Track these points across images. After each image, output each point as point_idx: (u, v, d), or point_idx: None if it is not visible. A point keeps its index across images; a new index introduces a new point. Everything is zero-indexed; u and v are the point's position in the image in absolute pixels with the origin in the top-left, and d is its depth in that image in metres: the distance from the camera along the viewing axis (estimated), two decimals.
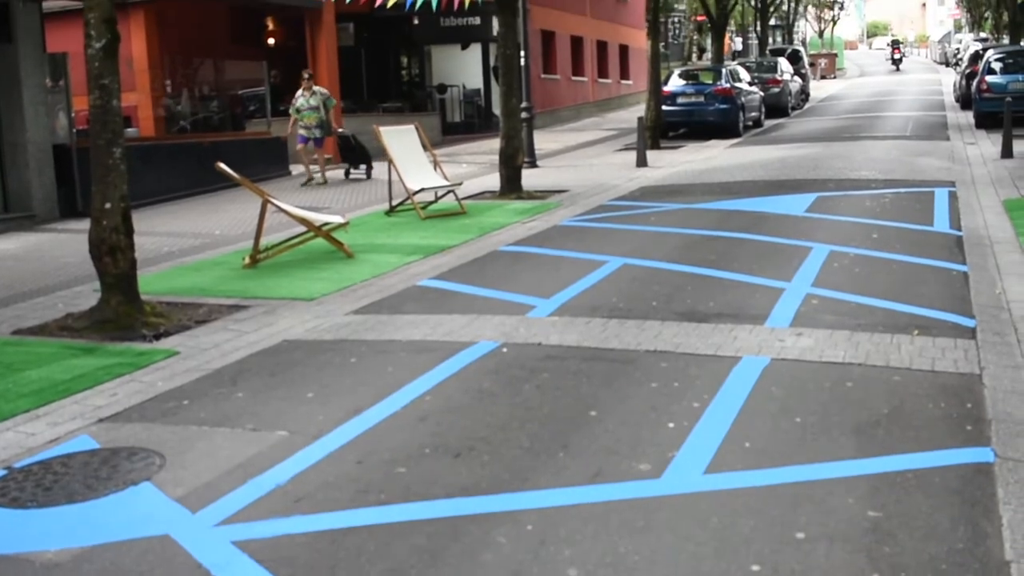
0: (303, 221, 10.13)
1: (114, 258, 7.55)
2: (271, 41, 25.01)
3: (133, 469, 4.76)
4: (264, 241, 9.93)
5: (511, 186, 14.36)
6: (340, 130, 18.12)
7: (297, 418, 5.34)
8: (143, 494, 4.48)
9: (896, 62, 65.61)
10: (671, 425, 4.96)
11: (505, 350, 6.41)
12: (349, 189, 16.52)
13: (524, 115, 17.37)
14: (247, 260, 9.66)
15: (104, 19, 7.51)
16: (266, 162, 18.52)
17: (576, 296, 7.82)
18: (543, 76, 29.91)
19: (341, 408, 5.45)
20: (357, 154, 17.81)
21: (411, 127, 13.53)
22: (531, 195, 14.16)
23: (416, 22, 27.21)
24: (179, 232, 12.45)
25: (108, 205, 7.52)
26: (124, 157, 7.66)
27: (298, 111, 17.21)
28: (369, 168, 17.74)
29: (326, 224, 10.20)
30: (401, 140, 13.09)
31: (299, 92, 17.35)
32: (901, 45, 72.27)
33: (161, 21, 19.79)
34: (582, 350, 6.35)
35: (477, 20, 26.53)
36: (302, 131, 17.22)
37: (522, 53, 17.88)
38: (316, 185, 17.12)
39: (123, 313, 7.48)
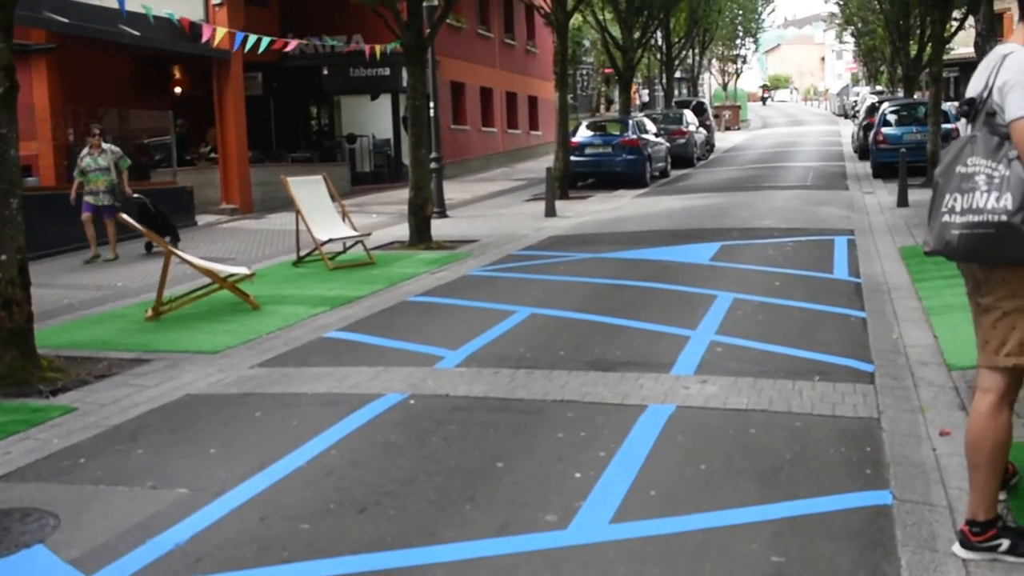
0: (208, 272, 9.98)
1: (9, 312, 7.33)
2: (177, 90, 24.76)
3: (26, 531, 4.58)
4: (167, 293, 9.75)
5: (420, 236, 14.37)
6: (135, 195, 14.86)
7: (198, 475, 5.22)
8: (36, 557, 4.31)
9: (764, 100, 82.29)
10: (578, 475, 4.97)
11: (412, 402, 6.37)
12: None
13: (433, 165, 17.45)
14: (150, 312, 9.47)
15: (2, 67, 7.35)
16: (172, 212, 18.20)
17: (484, 346, 7.82)
18: (453, 127, 30.10)
19: (244, 464, 5.34)
20: (159, 222, 14.31)
21: (319, 177, 13.48)
22: (440, 245, 14.18)
23: (325, 72, 27.22)
24: (80, 284, 12.17)
25: (4, 257, 7.32)
26: (21, 208, 7.46)
27: (83, 173, 14.39)
28: (175, 239, 14.60)
29: (231, 276, 10.06)
30: (309, 190, 13.03)
31: (84, 151, 14.59)
32: (769, 88, 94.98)
33: (64, 69, 19.45)
34: (490, 401, 6.34)
35: (387, 71, 26.63)
36: (88, 198, 14.34)
37: (431, 104, 17.99)
38: (104, 262, 14.23)
39: (18, 368, 7.25)
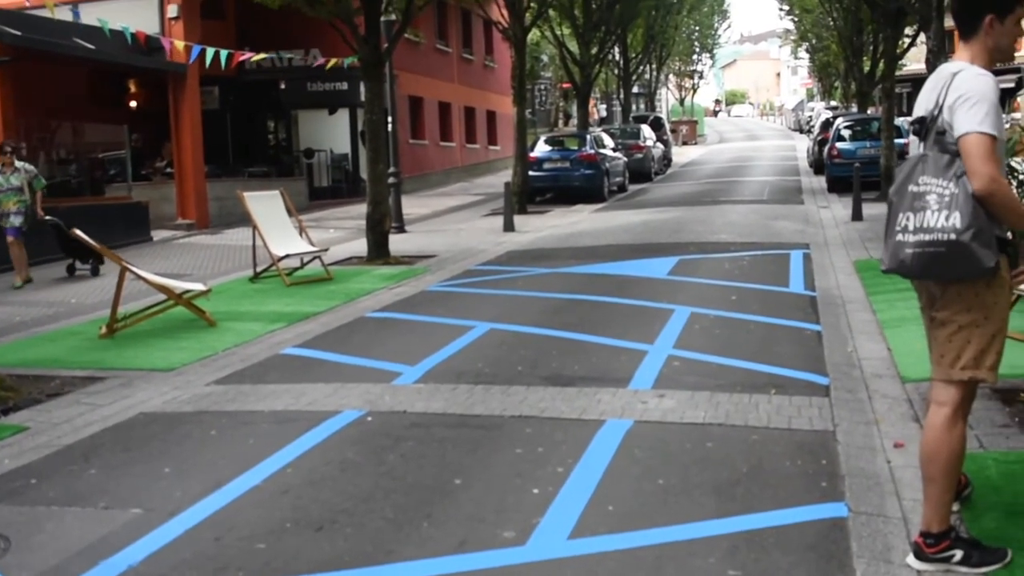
0: (163, 289, 9.88)
1: None
2: (133, 104, 24.52)
3: None
4: (122, 310, 9.63)
5: (379, 251, 14.33)
6: (48, 218, 13.84)
7: (153, 495, 5.15)
8: None
9: (716, 113, 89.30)
10: (536, 491, 4.96)
11: (370, 419, 6.33)
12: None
13: (392, 180, 17.41)
14: (104, 330, 9.35)
15: None
16: (127, 228, 18.07)
17: (442, 362, 7.80)
18: (411, 141, 30.08)
19: (199, 483, 5.28)
20: (80, 245, 12.32)
21: (276, 192, 13.41)
22: (399, 260, 14.15)
23: (283, 86, 27.10)
24: (32, 301, 11.99)
25: None
26: None
27: None
28: (98, 262, 13.93)
29: (187, 292, 9.97)
30: (265, 205, 12.95)
31: None
32: (720, 103, 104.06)
33: (17, 83, 19.18)
34: (447, 417, 6.32)
35: (345, 85, 26.58)
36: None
37: (389, 118, 17.97)
38: (13, 288, 13.14)
39: None
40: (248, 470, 5.44)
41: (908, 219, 3.80)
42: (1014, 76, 47.93)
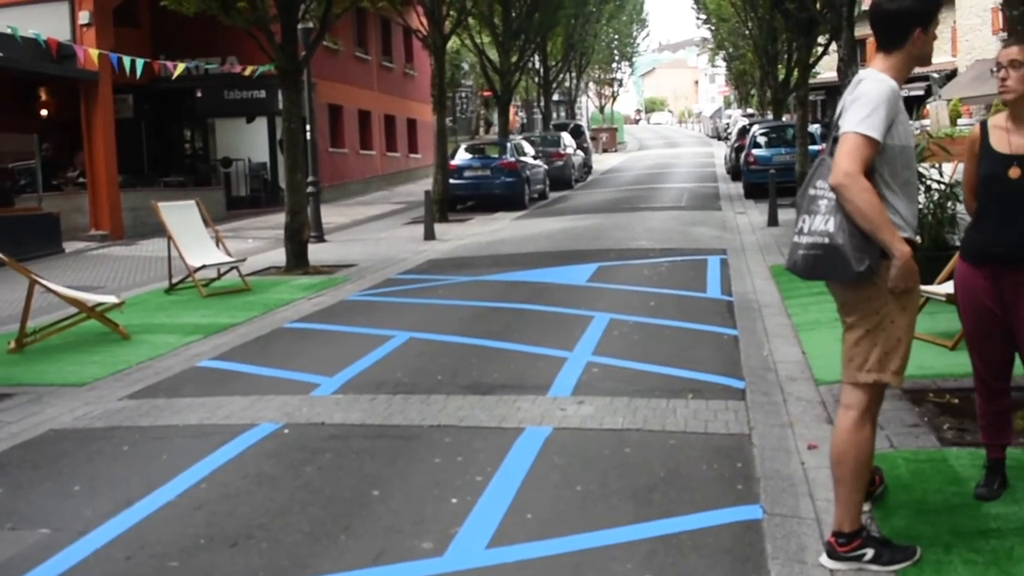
0: (74, 302, 9.64)
1: None
2: (44, 112, 23.95)
3: None
4: (32, 324, 9.38)
5: (297, 261, 14.18)
6: None
7: (62, 514, 5.02)
8: None
9: (636, 121, 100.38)
10: (454, 500, 4.94)
11: (287, 431, 6.25)
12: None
13: (311, 189, 17.26)
14: (12, 344, 9.09)
15: None
16: (36, 240, 17.61)
17: (361, 372, 7.74)
18: (331, 150, 29.86)
19: (111, 501, 5.16)
20: None
21: (191, 202, 13.19)
22: (318, 270, 14.02)
23: (199, 95, 26.71)
24: None
25: None
26: None
27: None
28: None
29: (99, 305, 9.74)
30: (181, 216, 12.73)
31: None
32: (641, 111, 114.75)
33: None
34: (366, 428, 6.26)
35: (263, 93, 26.28)
36: None
37: (307, 127, 17.81)
38: None
39: None
40: (161, 486, 5.33)
41: (804, 221, 3.91)
42: (924, 84, 49.25)
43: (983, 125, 4.48)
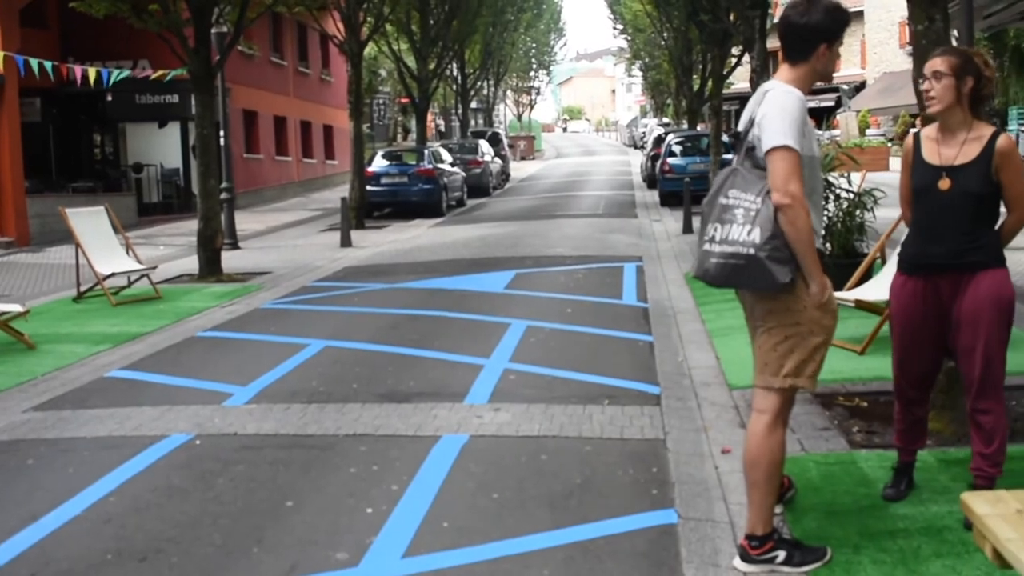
0: None
1: None
2: None
3: None
4: None
5: (210, 269, 13.94)
6: None
7: None
8: None
9: (565, 129, 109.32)
10: (369, 510, 4.89)
11: (198, 442, 6.13)
12: None
13: (225, 195, 16.99)
14: None
15: None
16: None
17: (275, 382, 7.62)
18: (246, 156, 29.45)
19: (14, 516, 4.99)
20: None
21: (101, 208, 12.88)
22: (232, 278, 13.80)
23: (110, 98, 26.12)
24: None
25: None
26: None
27: None
28: None
29: (4, 313, 9.44)
30: (89, 222, 12.42)
31: None
32: (568, 120, 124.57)
33: None
34: (280, 438, 6.17)
35: (175, 98, 25.78)
36: None
37: (221, 132, 17.54)
38: None
39: None
40: (68, 500, 5.18)
41: (716, 230, 3.95)
42: (834, 95, 50.39)
43: (916, 136, 4.56)
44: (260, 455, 5.85)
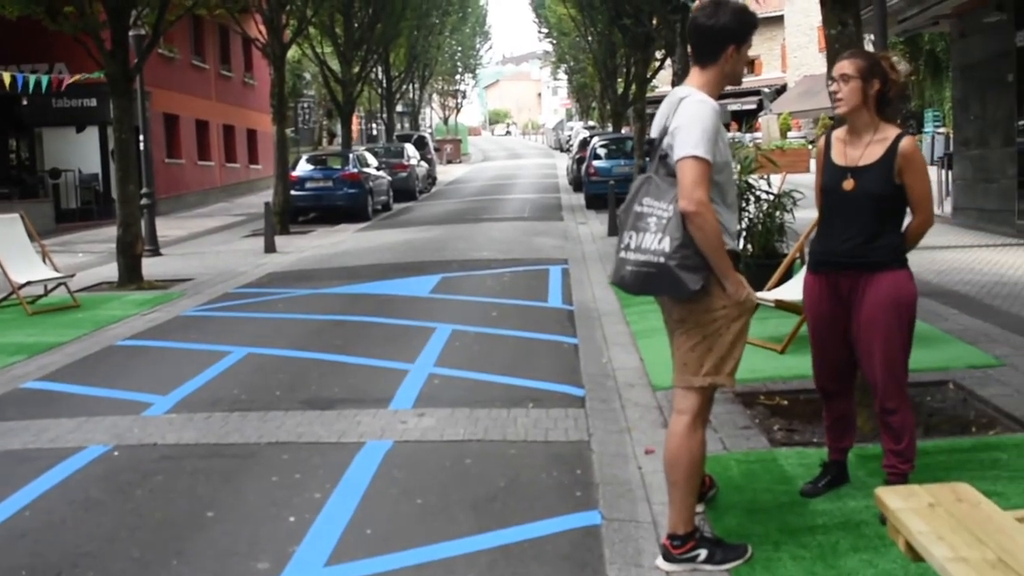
0: None
1: None
2: None
3: None
4: None
5: (130, 276, 13.69)
6: None
7: None
8: None
9: (508, 132, 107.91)
10: (292, 519, 4.83)
11: (116, 454, 6.01)
12: None
13: (145, 201, 16.71)
14: None
15: None
16: None
17: (196, 390, 7.51)
18: (167, 161, 28.99)
19: None
20: None
21: (15, 215, 12.56)
22: (152, 285, 13.57)
23: (25, 103, 25.50)
24: None
25: None
26: None
27: None
28: None
29: None
30: (3, 230, 12.09)
31: None
32: (503, 122, 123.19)
33: None
34: (200, 447, 6.08)
35: (93, 102, 25.29)
36: None
37: (141, 137, 17.24)
38: None
39: None
40: None
41: (631, 237, 3.99)
42: (756, 98, 51.19)
43: (828, 137, 4.65)
44: (180, 465, 5.76)
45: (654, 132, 4.10)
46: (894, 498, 3.24)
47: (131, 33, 15.05)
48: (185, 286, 13.47)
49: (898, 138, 4.39)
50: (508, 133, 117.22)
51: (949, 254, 12.93)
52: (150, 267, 14.84)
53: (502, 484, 5.24)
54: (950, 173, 18.66)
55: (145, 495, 5.29)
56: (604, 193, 20.37)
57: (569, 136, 60.27)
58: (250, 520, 4.87)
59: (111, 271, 14.42)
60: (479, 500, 5.02)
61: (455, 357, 8.32)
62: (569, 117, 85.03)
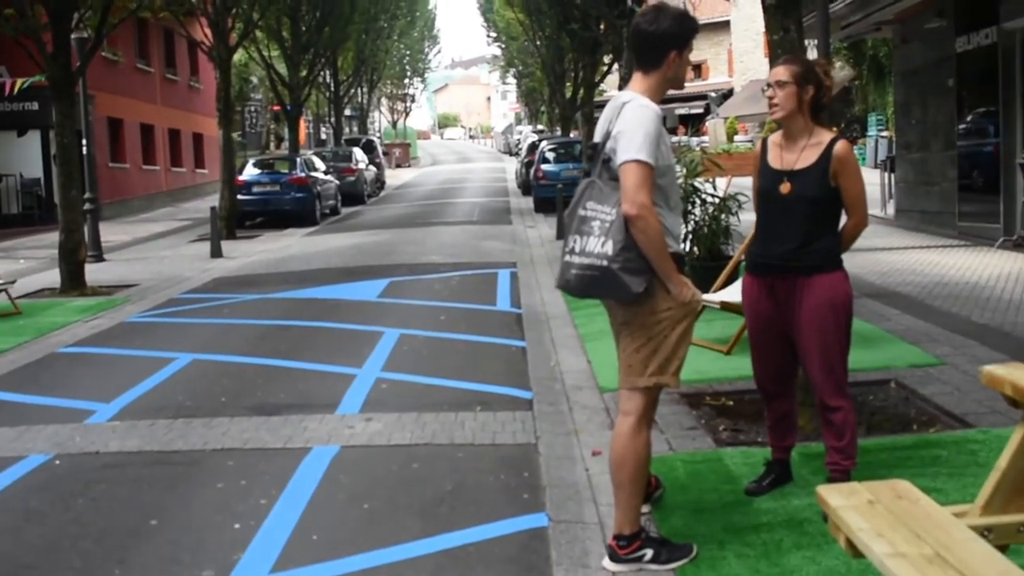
0: None
1: None
2: None
3: None
4: None
5: (73, 282, 13.48)
6: None
7: None
8: None
9: (472, 137, 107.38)
10: (237, 526, 4.79)
11: (58, 463, 5.91)
12: None
13: (88, 206, 16.48)
14: None
15: None
16: None
17: (140, 397, 7.41)
18: (111, 165, 28.60)
19: None
20: None
21: None
22: (96, 291, 13.38)
23: None
24: None
25: None
26: None
27: None
28: None
29: None
30: None
31: None
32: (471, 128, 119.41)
33: None
34: (144, 455, 6.00)
35: (35, 105, 24.84)
36: None
37: (84, 141, 17.00)
38: None
39: None
40: None
41: (575, 241, 4.01)
42: (703, 102, 51.64)
43: (764, 142, 4.72)
44: (123, 473, 5.68)
45: (597, 136, 4.12)
46: (835, 496, 3.28)
47: (73, 36, 14.84)
48: (129, 292, 13.30)
49: (832, 142, 4.46)
50: (477, 138, 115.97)
51: (892, 256, 13.13)
52: (94, 273, 14.63)
53: (449, 488, 5.23)
54: (893, 176, 18.95)
55: (87, 504, 5.21)
56: (553, 197, 20.40)
57: (518, 140, 60.39)
58: (194, 528, 4.82)
59: (53, 277, 14.17)
60: (426, 504, 5.01)
61: (403, 361, 8.29)
62: (518, 121, 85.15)
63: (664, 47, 4.06)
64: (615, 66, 23.82)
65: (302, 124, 46.14)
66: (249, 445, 6.10)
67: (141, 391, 7.60)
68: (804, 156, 4.48)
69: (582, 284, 3.99)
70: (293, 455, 5.85)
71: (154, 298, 12.69)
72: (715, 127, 42.76)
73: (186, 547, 4.58)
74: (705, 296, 7.53)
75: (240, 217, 22.81)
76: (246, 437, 6.26)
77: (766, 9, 6.17)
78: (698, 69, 55.00)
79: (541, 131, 52.26)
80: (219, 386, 7.67)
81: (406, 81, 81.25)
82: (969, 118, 15.19)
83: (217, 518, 4.93)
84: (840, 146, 4.44)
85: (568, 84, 33.32)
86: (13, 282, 12.42)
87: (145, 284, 14.01)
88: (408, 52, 74.09)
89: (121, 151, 29.83)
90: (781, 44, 6.07)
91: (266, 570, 4.29)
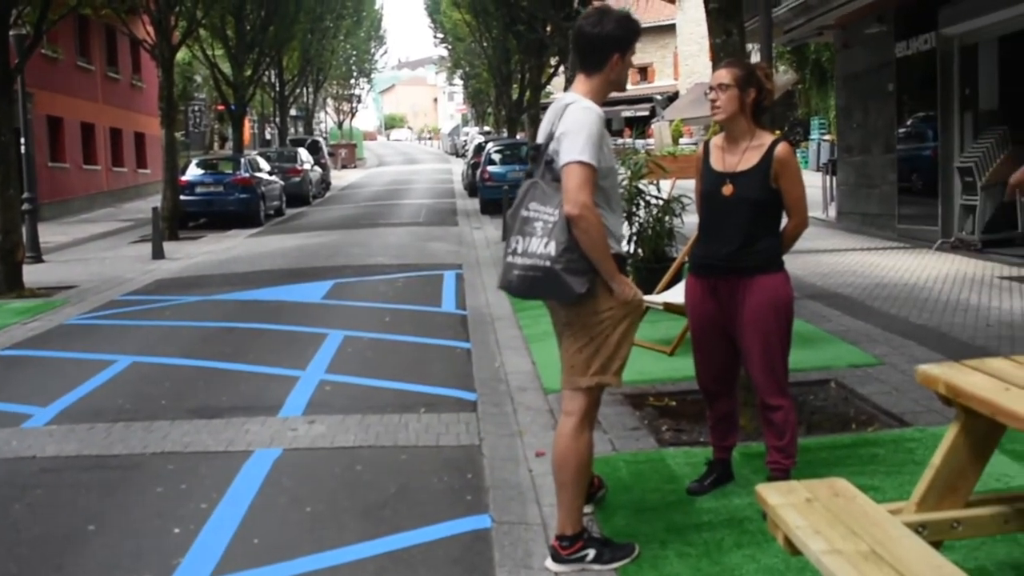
0: None
1: None
2: None
3: None
4: None
5: (10, 284, 13.25)
6: None
7: None
8: None
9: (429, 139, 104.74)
10: (177, 530, 4.73)
11: None
12: None
13: (27, 206, 16.21)
14: None
15: None
16: None
17: (79, 401, 7.30)
18: (50, 165, 28.10)
19: None
20: None
21: None
22: (34, 293, 13.16)
23: None
24: None
25: None
26: None
27: None
28: None
29: None
30: None
31: None
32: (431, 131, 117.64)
33: None
34: (82, 459, 5.91)
35: None
36: None
37: (22, 140, 16.71)
38: None
39: None
40: None
41: (518, 242, 4.01)
42: (649, 105, 51.98)
43: (706, 144, 4.76)
44: (60, 478, 5.59)
45: (540, 138, 4.14)
46: (773, 494, 3.33)
47: (11, 32, 14.58)
48: (69, 294, 13.10)
49: (774, 144, 4.52)
50: (424, 139, 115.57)
51: (833, 257, 13.32)
52: (32, 274, 14.38)
53: (393, 490, 5.21)
54: (834, 179, 19.22)
55: (23, 510, 5.12)
56: (499, 198, 20.44)
57: (465, 141, 60.34)
58: (133, 533, 4.75)
59: None
60: (369, 506, 4.98)
61: (347, 363, 8.25)
62: (465, 122, 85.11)
63: (607, 49, 4.08)
64: (561, 68, 23.91)
65: (247, 124, 45.74)
66: (190, 448, 6.03)
67: (80, 394, 7.49)
68: (746, 158, 4.53)
69: (524, 285, 4.00)
70: (234, 458, 5.80)
71: (94, 300, 12.51)
72: (661, 130, 43.09)
73: (125, 552, 4.52)
74: (649, 297, 7.60)
75: (183, 218, 22.58)
76: (187, 440, 6.19)
77: (709, 13, 6.23)
78: (644, 72, 55.44)
79: (488, 133, 52.27)
80: (160, 389, 7.57)
81: (352, 81, 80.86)
82: (909, 122, 15.46)
83: (157, 523, 4.87)
84: (781, 148, 4.50)
85: (514, 86, 33.39)
86: None
87: (85, 286, 13.81)
88: (354, 52, 73.74)
89: (61, 150, 29.33)
90: (724, 48, 6.12)
91: (206, 574, 4.25)
